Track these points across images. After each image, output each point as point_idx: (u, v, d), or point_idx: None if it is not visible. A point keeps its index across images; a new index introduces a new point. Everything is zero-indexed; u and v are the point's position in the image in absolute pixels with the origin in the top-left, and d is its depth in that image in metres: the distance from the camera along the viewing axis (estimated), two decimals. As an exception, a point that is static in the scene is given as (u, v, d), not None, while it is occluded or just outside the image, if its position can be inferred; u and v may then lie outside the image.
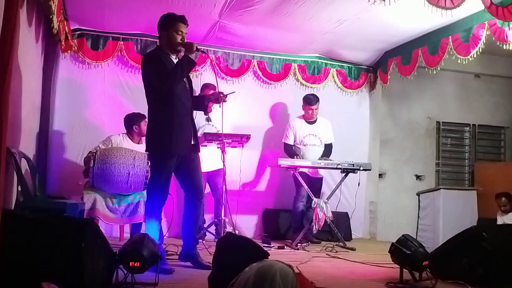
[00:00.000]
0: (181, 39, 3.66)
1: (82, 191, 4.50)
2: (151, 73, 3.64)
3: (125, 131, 5.02)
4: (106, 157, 4.39)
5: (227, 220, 4.92)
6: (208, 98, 4.08)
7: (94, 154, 4.44)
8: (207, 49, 5.64)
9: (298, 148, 5.71)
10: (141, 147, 4.82)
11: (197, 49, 3.71)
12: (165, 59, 3.65)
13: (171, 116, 3.62)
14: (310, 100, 5.70)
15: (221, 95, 3.90)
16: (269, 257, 2.56)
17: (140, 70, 3.87)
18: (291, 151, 5.72)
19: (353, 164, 5.37)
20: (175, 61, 3.71)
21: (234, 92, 4.14)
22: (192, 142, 3.81)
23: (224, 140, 4.84)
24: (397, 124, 6.90)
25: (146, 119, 4.73)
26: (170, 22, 3.66)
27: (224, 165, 4.80)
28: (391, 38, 5.63)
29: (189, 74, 3.93)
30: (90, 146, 4.94)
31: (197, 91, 5.43)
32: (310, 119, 5.75)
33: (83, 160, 4.87)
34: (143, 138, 4.85)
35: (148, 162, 4.41)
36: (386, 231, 6.36)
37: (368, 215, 6.65)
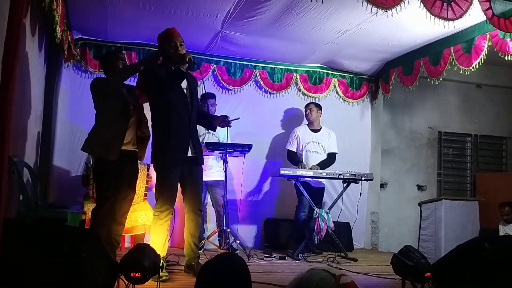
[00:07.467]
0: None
1: (83, 201, 4.49)
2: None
3: None
4: None
5: (228, 230, 4.91)
6: (215, 120, 4.09)
7: (91, 165, 4.40)
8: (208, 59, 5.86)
9: (301, 154, 5.71)
10: None
11: (189, 60, 3.62)
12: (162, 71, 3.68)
13: (166, 127, 3.66)
14: (308, 104, 5.88)
15: (226, 120, 3.97)
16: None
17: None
18: (294, 158, 5.70)
19: (354, 174, 5.35)
20: None
21: (238, 118, 4.22)
22: (191, 154, 3.75)
23: (226, 150, 4.87)
24: (398, 134, 6.90)
25: None
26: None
27: (225, 175, 4.82)
28: (393, 49, 5.64)
29: (195, 88, 3.90)
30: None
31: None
32: (310, 123, 5.76)
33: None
34: None
35: (148, 174, 4.41)
36: (388, 242, 6.34)
37: (370, 226, 6.62)
